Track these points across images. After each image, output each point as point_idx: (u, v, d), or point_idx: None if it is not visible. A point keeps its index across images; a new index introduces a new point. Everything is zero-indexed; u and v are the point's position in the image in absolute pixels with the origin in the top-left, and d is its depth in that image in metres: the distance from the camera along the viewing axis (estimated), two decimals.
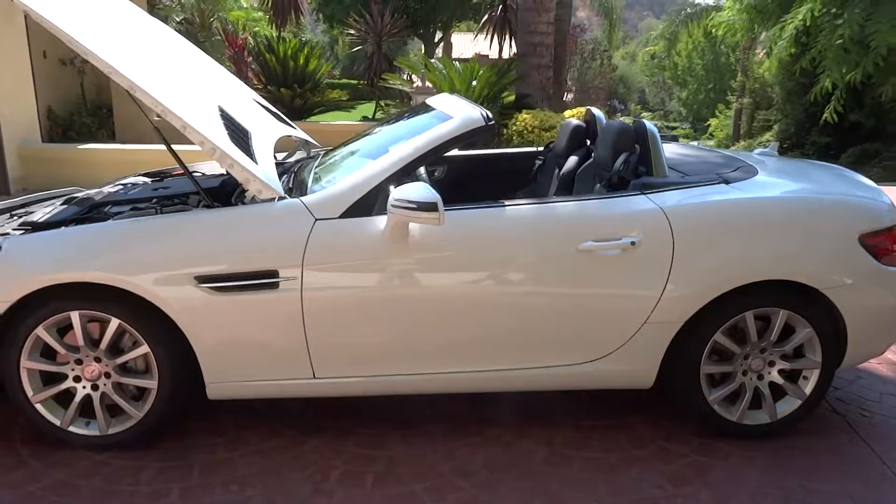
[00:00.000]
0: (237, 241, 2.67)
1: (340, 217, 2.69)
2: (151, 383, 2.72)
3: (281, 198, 2.73)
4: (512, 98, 8.89)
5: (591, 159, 3.41)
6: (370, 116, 13.97)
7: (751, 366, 2.87)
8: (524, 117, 7.58)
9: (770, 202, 2.86)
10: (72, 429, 2.77)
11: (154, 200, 3.17)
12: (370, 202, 2.72)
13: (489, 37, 14.95)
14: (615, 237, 2.72)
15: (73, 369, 2.73)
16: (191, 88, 3.09)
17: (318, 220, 2.68)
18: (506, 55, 15.16)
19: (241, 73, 13.26)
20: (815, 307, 2.81)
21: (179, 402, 2.79)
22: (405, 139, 2.95)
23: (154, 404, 2.74)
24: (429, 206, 2.50)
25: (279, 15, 13.59)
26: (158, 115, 2.65)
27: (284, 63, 13.07)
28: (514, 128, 7.92)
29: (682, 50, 27.61)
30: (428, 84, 7.08)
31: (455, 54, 22.06)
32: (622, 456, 2.80)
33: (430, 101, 3.51)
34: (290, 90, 12.83)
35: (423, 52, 21.31)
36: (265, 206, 2.72)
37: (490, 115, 2.89)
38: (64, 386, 2.74)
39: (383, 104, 13.81)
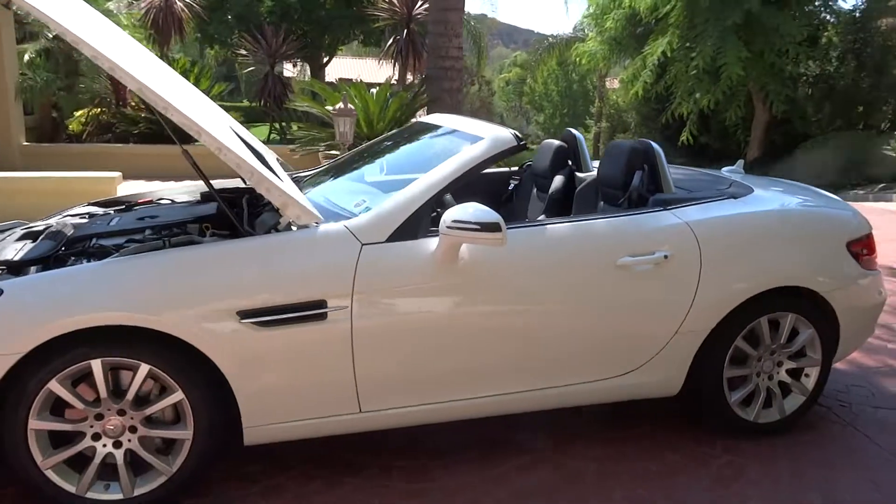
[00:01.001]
0: (281, 270, 2.49)
1: (387, 241, 2.59)
2: (185, 433, 2.45)
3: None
4: None
5: (587, 178, 3.52)
6: (264, 140, 13.54)
7: (763, 367, 3.07)
8: None
9: (778, 215, 3.10)
10: (90, 495, 2.43)
11: (148, 231, 2.89)
12: (414, 225, 2.64)
13: (392, 61, 14.97)
14: (649, 252, 2.82)
15: (91, 426, 2.40)
16: (202, 108, 2.86)
17: (365, 245, 2.56)
18: (396, 78, 15.26)
19: (121, 97, 12.38)
20: (817, 310, 3.07)
21: (214, 453, 2.54)
22: (429, 160, 2.91)
23: (188, 457, 2.47)
24: (492, 227, 2.47)
25: (161, 34, 12.82)
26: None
27: None
28: None
29: (539, 77, 29.10)
30: (350, 107, 7.00)
31: (331, 78, 21.90)
32: (663, 464, 2.88)
33: (431, 119, 3.48)
34: None
35: (309, 74, 20.99)
36: (307, 232, 2.57)
37: (520, 135, 2.91)
38: (81, 446, 2.41)
39: (278, 126, 13.38)
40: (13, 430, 2.31)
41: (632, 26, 16.64)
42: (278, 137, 13.57)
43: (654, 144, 3.23)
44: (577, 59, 18.68)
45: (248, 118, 17.25)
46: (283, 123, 14.03)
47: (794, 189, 3.64)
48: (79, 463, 2.43)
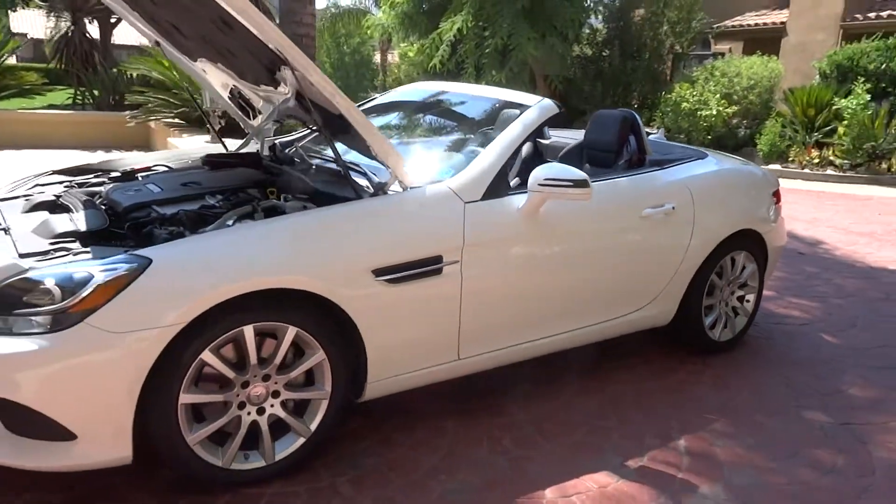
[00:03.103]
0: (406, 229, 2.61)
1: (482, 199, 2.81)
2: (323, 393, 2.49)
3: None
4: None
5: (568, 143, 3.97)
6: (68, 103, 11.67)
7: (724, 296, 3.81)
8: None
9: (735, 171, 3.85)
10: (234, 466, 2.36)
11: (214, 197, 2.77)
12: (498, 184, 2.88)
13: None
14: (661, 204, 3.37)
15: (237, 395, 2.33)
16: None
17: (468, 203, 2.76)
18: None
19: None
20: (756, 247, 3.87)
21: (344, 411, 2.59)
22: (479, 126, 3.18)
23: (325, 416, 2.51)
24: (582, 183, 2.81)
25: None
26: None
27: None
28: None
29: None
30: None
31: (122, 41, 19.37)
32: (635, 374, 3.50)
33: (428, 86, 3.67)
34: None
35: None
36: (418, 192, 2.70)
37: (559, 103, 3.27)
38: (228, 416, 2.33)
39: (82, 91, 11.50)
40: (166, 406, 2.18)
41: (421, 3, 17.37)
42: (83, 102, 11.84)
43: (636, 114, 3.78)
44: (369, 31, 18.95)
45: (56, 81, 14.73)
46: (88, 89, 12.09)
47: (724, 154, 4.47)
48: (216, 435, 2.35)
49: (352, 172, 2.98)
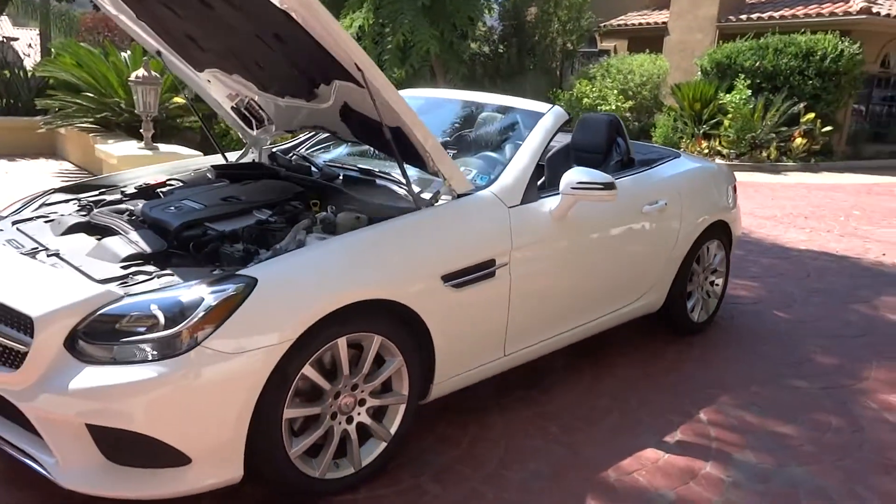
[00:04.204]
0: (465, 235, 2.74)
1: (521, 204, 2.98)
2: (402, 398, 2.57)
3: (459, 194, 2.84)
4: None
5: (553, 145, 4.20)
6: None
7: (700, 281, 4.19)
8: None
9: (705, 169, 4.23)
10: (328, 475, 2.41)
11: (261, 213, 2.77)
12: (531, 189, 3.06)
13: None
14: (655, 201, 3.68)
15: (330, 405, 2.38)
16: None
17: (511, 208, 2.92)
18: None
19: None
20: (724, 235, 4.28)
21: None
22: (500, 133, 3.37)
23: (403, 420, 2.59)
24: (611, 185, 3.03)
25: None
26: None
27: None
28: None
29: None
30: (155, 74, 6.33)
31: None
32: (653, 364, 3.80)
33: (452, 94, 3.80)
34: None
35: None
36: (469, 199, 2.83)
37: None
38: (324, 428, 2.37)
39: None
40: (273, 422, 2.20)
41: None
42: None
43: (619, 118, 4.07)
44: None
45: None
46: None
47: None
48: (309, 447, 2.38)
49: (389, 183, 3.07)
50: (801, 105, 13.19)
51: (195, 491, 2.13)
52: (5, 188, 6.81)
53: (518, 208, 2.95)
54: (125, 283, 2.22)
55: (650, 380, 3.57)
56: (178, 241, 2.55)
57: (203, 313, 2.05)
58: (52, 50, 9.75)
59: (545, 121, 3.32)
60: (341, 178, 3.21)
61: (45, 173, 7.61)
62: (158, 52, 3.39)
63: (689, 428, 3.10)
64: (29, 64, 10.15)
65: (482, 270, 2.75)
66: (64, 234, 2.66)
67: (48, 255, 2.43)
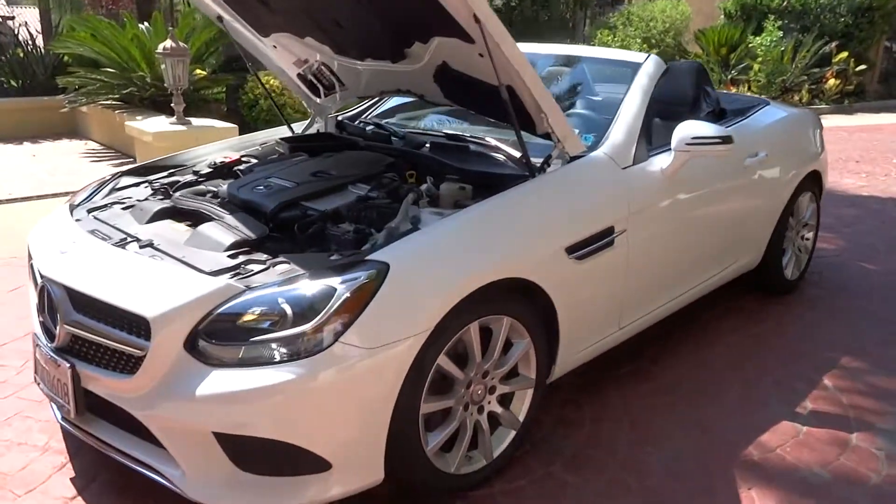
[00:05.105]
0: (584, 202, 2.52)
1: (633, 164, 2.74)
2: (530, 381, 2.37)
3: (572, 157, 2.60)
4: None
5: None
6: None
7: (794, 237, 3.94)
8: (268, 79, 7.06)
9: (800, 115, 3.98)
10: (463, 470, 2.22)
11: (358, 188, 2.53)
12: (641, 146, 2.81)
13: None
14: (756, 153, 3.42)
15: (462, 396, 2.18)
16: None
17: (624, 169, 2.68)
18: None
19: None
20: (818, 187, 4.02)
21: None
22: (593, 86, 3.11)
23: (531, 405, 2.39)
24: (728, 139, 2.78)
25: None
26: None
27: None
28: (256, 91, 7.35)
29: None
30: (183, 45, 6.06)
31: None
32: (757, 327, 3.58)
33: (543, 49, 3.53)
34: None
35: None
36: (584, 162, 2.59)
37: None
38: (458, 420, 2.17)
39: None
40: (410, 418, 2.00)
41: None
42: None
43: (702, 64, 3.78)
44: None
45: None
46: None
47: None
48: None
49: (484, 148, 2.82)
50: (833, 44, 12.75)
51: (338, 497, 1.94)
52: (40, 171, 6.57)
53: (630, 169, 2.71)
54: (239, 274, 2.00)
55: (760, 345, 3.35)
56: (276, 224, 2.32)
57: (337, 306, 1.84)
58: (64, 26, 9.41)
59: (646, 69, 3.05)
60: (428, 146, 2.96)
61: (73, 154, 7.34)
62: (220, 18, 3.12)
63: (818, 396, 2.89)
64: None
65: (602, 239, 2.51)
66: (149, 221, 2.44)
67: (141, 247, 2.21)
